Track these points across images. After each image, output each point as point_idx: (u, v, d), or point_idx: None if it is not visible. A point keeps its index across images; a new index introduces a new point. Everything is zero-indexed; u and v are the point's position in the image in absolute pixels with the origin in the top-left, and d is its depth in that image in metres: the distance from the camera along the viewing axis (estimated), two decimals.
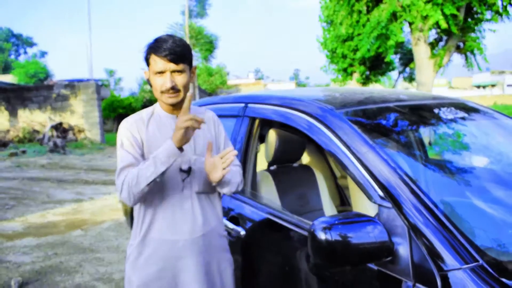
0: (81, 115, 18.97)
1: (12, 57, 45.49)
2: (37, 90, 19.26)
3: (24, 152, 15.10)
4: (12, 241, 5.34)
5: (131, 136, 1.81)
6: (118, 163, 1.79)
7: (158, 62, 1.74)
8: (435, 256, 1.37)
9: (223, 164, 1.75)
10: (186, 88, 1.81)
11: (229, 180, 1.86)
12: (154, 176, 1.67)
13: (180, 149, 1.69)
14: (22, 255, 4.83)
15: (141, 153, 1.80)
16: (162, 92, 1.78)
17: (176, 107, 1.86)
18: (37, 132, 17.96)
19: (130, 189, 1.69)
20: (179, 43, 1.76)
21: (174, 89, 1.77)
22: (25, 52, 49.42)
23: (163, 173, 1.69)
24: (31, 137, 17.56)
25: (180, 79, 1.77)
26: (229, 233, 2.22)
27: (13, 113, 19.02)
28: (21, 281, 3.99)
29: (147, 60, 1.81)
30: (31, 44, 49.94)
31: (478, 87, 54.70)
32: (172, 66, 1.74)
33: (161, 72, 1.75)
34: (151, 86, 1.86)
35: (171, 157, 1.67)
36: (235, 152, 1.76)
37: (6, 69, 37.99)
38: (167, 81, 1.74)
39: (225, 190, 1.91)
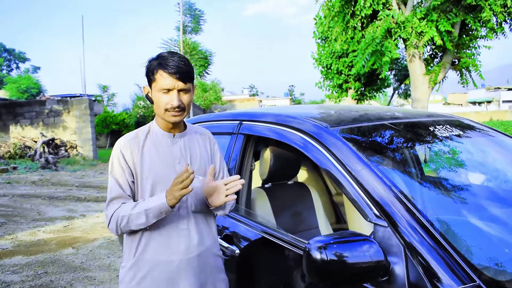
0: (74, 131, 18.88)
1: (4, 72, 45.38)
2: (29, 106, 19.18)
3: (15, 168, 14.95)
4: (1, 260, 5.25)
5: (123, 161, 1.78)
6: (108, 192, 1.79)
7: (167, 79, 1.71)
8: (432, 276, 1.36)
9: (227, 191, 1.74)
10: (189, 106, 1.80)
11: (225, 204, 1.86)
12: (144, 226, 1.73)
13: (173, 207, 1.69)
14: (12, 274, 4.73)
15: (132, 179, 1.79)
16: (166, 109, 1.75)
17: (175, 125, 1.84)
18: (29, 148, 17.81)
19: (118, 227, 1.75)
20: (186, 62, 1.76)
21: (180, 108, 1.75)
22: (18, 67, 49.34)
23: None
24: (23, 153, 17.40)
25: (186, 98, 1.77)
26: (223, 252, 2.18)
27: (4, 129, 18.90)
28: None
29: (150, 75, 1.77)
30: (24, 59, 49.89)
31: (474, 103, 55.16)
32: (181, 84, 1.73)
33: (168, 90, 1.73)
34: (151, 102, 1.83)
35: (163, 213, 1.70)
36: (242, 181, 1.74)
37: None
38: (174, 100, 1.72)
39: (220, 213, 1.91)
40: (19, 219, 7.55)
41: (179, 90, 1.74)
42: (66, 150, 18.35)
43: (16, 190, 10.65)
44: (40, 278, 4.58)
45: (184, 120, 1.96)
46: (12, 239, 6.22)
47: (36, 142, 17.98)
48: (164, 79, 1.71)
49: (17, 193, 10.22)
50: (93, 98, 27.24)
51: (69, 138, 18.88)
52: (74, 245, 5.87)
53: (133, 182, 1.80)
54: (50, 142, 18.08)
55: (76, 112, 18.84)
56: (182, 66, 1.72)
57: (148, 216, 1.69)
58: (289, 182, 2.83)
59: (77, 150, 18.67)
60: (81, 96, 23.02)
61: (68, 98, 19.83)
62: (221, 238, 2.29)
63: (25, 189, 10.97)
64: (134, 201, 1.79)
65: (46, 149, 17.45)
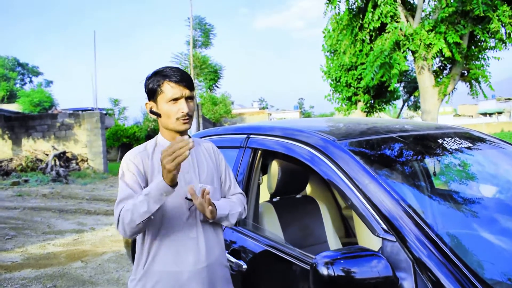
0: (85, 144, 19.02)
1: (18, 86, 46.01)
2: (41, 119, 19.39)
3: (26, 181, 15.08)
4: (11, 273, 5.26)
5: (134, 167, 1.78)
6: (118, 195, 1.77)
7: (175, 88, 1.76)
8: None
9: (206, 204, 1.71)
10: (193, 114, 1.86)
11: (225, 215, 1.85)
12: (148, 214, 1.63)
13: (173, 186, 1.63)
14: (21, 287, 4.74)
15: (144, 185, 1.77)
16: (177, 118, 1.78)
17: (181, 134, 1.86)
18: (40, 161, 17.96)
19: (123, 225, 1.67)
20: (185, 72, 1.83)
21: (189, 115, 1.80)
22: (31, 81, 50.03)
23: (157, 210, 1.65)
24: (34, 166, 17.55)
25: (192, 106, 1.83)
26: (230, 267, 2.17)
27: (16, 142, 19.10)
28: None
29: (154, 89, 1.80)
30: (37, 74, 50.61)
31: (485, 114, 54.75)
32: (188, 92, 1.79)
33: (176, 99, 1.77)
34: (157, 116, 1.82)
35: (163, 194, 1.62)
36: (208, 190, 1.70)
37: (11, 98, 38.35)
38: (184, 107, 1.77)
39: (225, 224, 1.89)
40: (29, 232, 7.59)
41: (186, 98, 1.79)
42: (77, 163, 18.48)
43: (27, 203, 10.72)
44: None
45: (193, 132, 1.99)
46: (22, 252, 6.24)
47: (47, 155, 18.14)
48: (172, 89, 1.76)
49: (28, 206, 10.28)
50: (104, 112, 27.47)
51: (80, 151, 19.03)
52: (83, 258, 5.87)
53: (144, 187, 1.77)
54: (61, 155, 18.24)
55: (87, 126, 19.01)
56: (185, 74, 1.79)
57: (149, 202, 1.61)
58: (297, 196, 2.81)
59: (88, 163, 18.79)
60: (93, 110, 23.23)
61: (80, 112, 20.03)
62: (228, 253, 2.27)
63: (36, 202, 11.04)
64: None
65: (57, 162, 17.59)
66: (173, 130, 1.84)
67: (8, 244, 6.72)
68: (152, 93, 1.82)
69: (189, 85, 1.79)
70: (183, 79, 1.77)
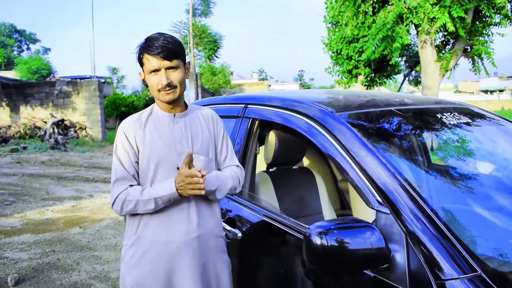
0: (83, 112, 18.96)
1: (15, 53, 45.45)
2: (39, 87, 19.26)
3: (25, 148, 15.10)
4: (10, 237, 5.33)
5: (127, 142, 1.82)
6: (112, 172, 1.84)
7: (152, 61, 1.75)
8: (433, 265, 1.34)
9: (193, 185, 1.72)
10: (182, 84, 1.82)
11: (212, 191, 1.85)
12: (153, 211, 1.78)
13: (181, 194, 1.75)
14: (20, 251, 4.81)
15: (135, 159, 1.83)
16: (159, 90, 1.78)
17: (173, 104, 1.86)
18: (39, 128, 17.95)
19: (123, 209, 1.79)
20: (171, 40, 1.77)
21: (170, 86, 1.77)
22: (28, 48, 49.38)
23: None
24: (32, 134, 17.55)
25: (175, 75, 1.78)
26: (226, 235, 2.19)
27: (14, 109, 19.03)
28: (17, 278, 3.97)
29: (140, 60, 1.81)
30: (34, 41, 49.93)
31: (486, 91, 54.40)
32: (166, 63, 1.75)
33: (156, 70, 1.76)
34: (147, 86, 1.87)
35: (171, 200, 1.76)
36: (204, 173, 1.72)
37: (9, 65, 37.96)
38: (163, 78, 1.75)
39: (211, 198, 1.89)
40: (28, 198, 7.65)
41: (167, 68, 1.76)
42: (75, 131, 18.48)
43: (26, 170, 10.77)
44: (47, 256, 4.65)
45: (188, 101, 1.97)
46: (21, 218, 6.30)
47: (46, 122, 18.12)
48: (150, 61, 1.75)
49: (27, 172, 10.33)
50: (103, 80, 27.27)
51: (79, 119, 18.99)
52: (82, 224, 5.93)
53: (137, 162, 1.83)
54: (60, 123, 18.21)
55: (85, 94, 18.90)
56: (165, 45, 1.74)
57: (158, 203, 1.75)
58: (294, 167, 2.82)
59: (86, 132, 18.78)
60: (91, 78, 23.04)
61: (78, 80, 19.87)
62: (224, 221, 2.29)
63: (35, 168, 11.08)
64: (136, 180, 1.83)
65: (56, 130, 17.59)
66: (159, 100, 1.85)
67: (7, 209, 6.78)
68: (140, 64, 1.83)
69: (169, 56, 1.73)
70: (162, 50, 1.72)
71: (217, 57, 38.00)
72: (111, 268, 4.31)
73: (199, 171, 1.69)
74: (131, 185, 1.80)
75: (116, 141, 1.86)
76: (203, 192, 1.71)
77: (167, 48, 1.73)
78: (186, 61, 1.87)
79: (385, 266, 1.43)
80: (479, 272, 1.30)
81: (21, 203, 7.22)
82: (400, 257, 1.42)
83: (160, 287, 1.80)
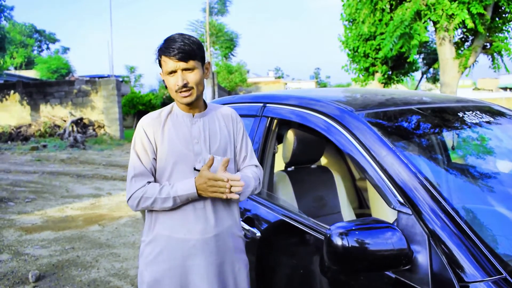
0: (101, 111, 19.19)
1: (35, 52, 46.13)
2: (59, 86, 19.56)
3: (44, 146, 15.35)
4: (31, 234, 5.42)
5: (146, 138, 1.83)
6: (130, 168, 1.85)
7: (168, 63, 1.76)
8: (456, 266, 1.32)
9: (233, 188, 1.73)
10: (199, 85, 1.81)
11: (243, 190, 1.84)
12: (170, 208, 1.81)
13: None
14: (40, 248, 4.89)
15: (153, 156, 1.84)
16: (176, 91, 1.79)
17: (192, 105, 1.86)
18: (58, 127, 18.23)
19: (139, 205, 1.82)
20: (188, 41, 1.76)
21: (187, 87, 1.77)
22: (48, 48, 50.01)
23: None
24: (52, 132, 17.84)
25: (192, 77, 1.78)
26: (244, 235, 2.19)
27: (34, 108, 19.35)
28: (38, 274, 4.04)
29: (159, 62, 1.83)
30: (54, 40, 50.57)
31: (505, 89, 53.35)
32: (182, 64, 1.75)
33: (173, 72, 1.77)
34: (166, 87, 1.88)
35: (189, 199, 1.79)
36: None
37: (29, 64, 38.60)
38: (179, 80, 1.76)
39: (241, 199, 1.88)
40: (48, 195, 7.77)
41: (183, 70, 1.76)
42: (93, 130, 18.71)
43: (46, 168, 10.94)
44: (67, 253, 4.72)
45: (208, 100, 1.97)
46: (41, 215, 6.41)
47: (65, 121, 18.38)
48: (166, 63, 1.76)
49: (47, 170, 10.50)
50: (120, 79, 27.51)
51: (97, 118, 19.22)
52: (100, 222, 6.01)
53: (155, 159, 1.85)
54: (79, 121, 18.46)
55: (103, 93, 19.12)
56: (182, 46, 1.73)
57: (176, 201, 1.77)
58: (312, 166, 2.80)
59: (104, 130, 19.00)
60: (109, 77, 23.30)
61: (96, 79, 20.11)
62: (242, 221, 2.29)
63: (54, 166, 11.25)
64: (153, 177, 1.85)
65: (75, 128, 17.84)
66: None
67: (28, 206, 6.90)
68: (159, 66, 1.84)
69: (185, 57, 1.73)
70: (178, 52, 1.72)
71: (233, 55, 38.07)
72: (130, 265, 4.36)
73: (227, 179, 1.70)
74: (149, 182, 1.82)
75: (135, 137, 1.87)
76: (224, 196, 1.72)
77: (183, 49, 1.73)
78: (206, 61, 1.86)
79: (407, 267, 1.41)
80: (504, 275, 1.27)
81: (41, 201, 7.35)
82: (422, 258, 1.40)
83: (176, 285, 1.81)
